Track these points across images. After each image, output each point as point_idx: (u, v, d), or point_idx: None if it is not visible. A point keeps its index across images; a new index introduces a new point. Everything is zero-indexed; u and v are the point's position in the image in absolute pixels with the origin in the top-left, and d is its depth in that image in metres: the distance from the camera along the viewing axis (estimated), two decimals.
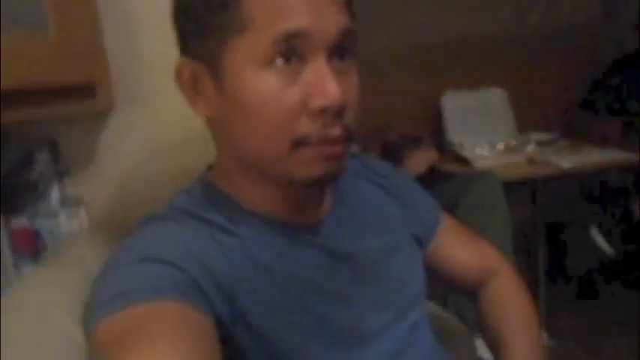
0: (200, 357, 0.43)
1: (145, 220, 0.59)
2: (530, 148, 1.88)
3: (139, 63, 0.90)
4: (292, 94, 0.52)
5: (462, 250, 0.79)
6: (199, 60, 0.55)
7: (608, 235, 1.82)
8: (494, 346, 0.76)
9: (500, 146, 1.92)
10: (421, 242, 0.74)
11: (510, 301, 0.78)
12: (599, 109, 2.11)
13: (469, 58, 2.34)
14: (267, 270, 0.56)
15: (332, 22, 0.52)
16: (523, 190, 1.88)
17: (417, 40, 2.33)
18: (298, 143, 0.52)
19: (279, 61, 0.51)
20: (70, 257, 0.74)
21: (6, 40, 0.64)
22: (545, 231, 1.97)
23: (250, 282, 0.54)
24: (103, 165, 0.91)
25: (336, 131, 0.53)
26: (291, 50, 0.51)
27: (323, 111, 0.52)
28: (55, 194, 0.88)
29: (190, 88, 0.57)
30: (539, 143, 1.91)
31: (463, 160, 1.86)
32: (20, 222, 0.85)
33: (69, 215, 0.89)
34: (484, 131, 2.06)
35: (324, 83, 0.51)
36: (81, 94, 0.79)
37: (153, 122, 0.92)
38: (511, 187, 1.54)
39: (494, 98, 2.21)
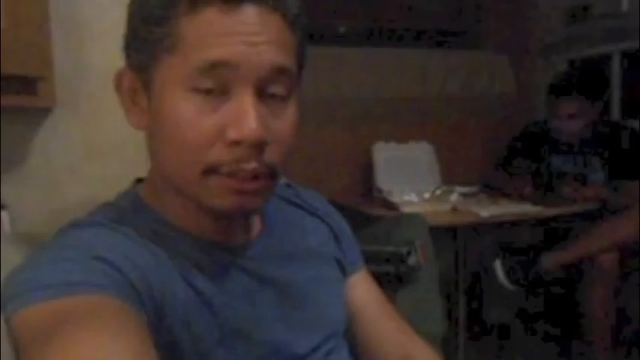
0: (145, 349, 0.42)
1: (68, 227, 0.56)
2: (454, 198, 2.00)
3: (83, 68, 0.90)
4: (210, 122, 0.51)
5: (380, 322, 0.76)
6: (137, 72, 0.55)
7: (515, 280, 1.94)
8: None
9: (427, 195, 2.02)
10: (344, 270, 0.74)
11: None
12: (513, 169, 2.30)
13: (399, 114, 2.51)
14: (198, 294, 0.55)
15: (264, 57, 0.51)
16: (446, 238, 1.98)
17: (352, 94, 2.47)
18: (209, 171, 0.52)
19: (203, 88, 0.50)
20: None
21: None
22: (467, 279, 2.07)
23: (180, 302, 0.54)
24: (34, 167, 0.88)
25: (250, 166, 0.51)
26: (217, 79, 0.50)
27: (237, 143, 0.51)
28: None
29: (128, 97, 0.57)
30: (462, 195, 2.04)
31: (391, 206, 1.94)
32: None
33: None
34: (411, 181, 2.17)
35: (244, 116, 0.50)
36: (21, 90, 0.78)
37: (91, 126, 0.91)
38: (435, 234, 1.61)
39: (422, 151, 2.36)
